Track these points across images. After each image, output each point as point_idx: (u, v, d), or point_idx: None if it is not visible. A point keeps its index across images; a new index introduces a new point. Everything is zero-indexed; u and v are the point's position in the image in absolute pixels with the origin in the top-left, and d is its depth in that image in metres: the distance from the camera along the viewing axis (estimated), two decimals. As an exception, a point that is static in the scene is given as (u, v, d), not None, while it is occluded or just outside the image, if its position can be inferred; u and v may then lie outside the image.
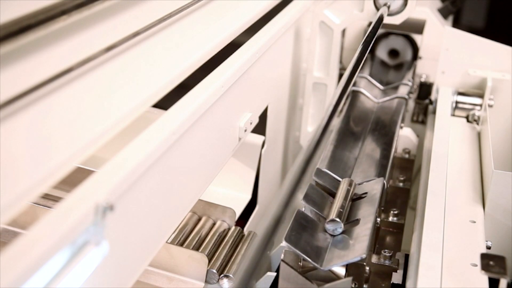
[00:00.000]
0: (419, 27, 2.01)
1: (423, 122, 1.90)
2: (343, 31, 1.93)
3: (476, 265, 1.09)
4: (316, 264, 1.11)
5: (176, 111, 1.06)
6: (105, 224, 0.82)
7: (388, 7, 1.63)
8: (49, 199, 1.25)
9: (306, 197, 1.25)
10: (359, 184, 1.36)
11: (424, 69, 2.02)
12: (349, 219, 1.22)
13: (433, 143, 1.49)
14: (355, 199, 1.30)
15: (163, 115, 1.04)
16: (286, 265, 1.11)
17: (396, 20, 1.67)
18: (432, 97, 1.87)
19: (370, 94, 1.77)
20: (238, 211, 1.61)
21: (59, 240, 0.73)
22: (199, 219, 1.49)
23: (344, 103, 1.71)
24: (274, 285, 1.26)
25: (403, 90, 1.79)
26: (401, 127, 1.70)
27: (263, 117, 1.57)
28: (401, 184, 1.58)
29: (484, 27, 3.77)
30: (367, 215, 1.21)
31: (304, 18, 1.76)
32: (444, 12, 2.19)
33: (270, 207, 0.77)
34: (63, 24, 0.84)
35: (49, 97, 0.83)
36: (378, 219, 1.26)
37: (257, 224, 1.65)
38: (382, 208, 1.39)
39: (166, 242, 1.29)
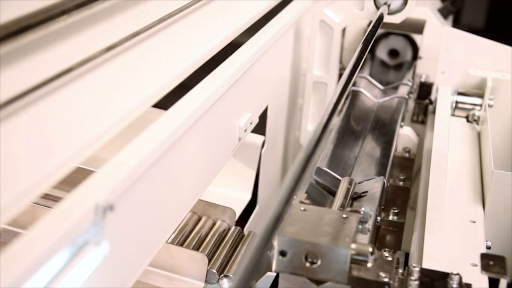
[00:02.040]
0: (419, 27, 2.02)
1: (423, 122, 1.90)
2: (343, 31, 1.93)
3: (476, 265, 1.09)
4: (316, 264, 1.10)
5: (176, 111, 1.07)
6: (105, 224, 0.82)
7: (388, 6, 1.63)
8: (49, 199, 1.25)
9: (306, 196, 1.25)
10: (359, 183, 1.36)
11: (424, 69, 2.02)
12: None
13: (433, 143, 1.49)
14: (355, 198, 1.30)
15: (163, 115, 1.04)
16: (286, 264, 1.11)
17: (396, 19, 1.67)
18: (432, 97, 1.87)
19: (370, 94, 1.77)
20: (238, 211, 1.61)
21: (59, 240, 0.73)
22: (199, 219, 1.49)
23: (344, 103, 1.71)
24: (274, 285, 1.26)
25: (403, 90, 1.79)
26: (401, 126, 1.70)
27: (263, 117, 1.57)
28: (401, 183, 1.57)
29: (484, 27, 3.77)
30: (367, 214, 1.21)
31: (304, 18, 1.76)
32: (444, 12, 2.19)
33: (270, 206, 0.77)
34: (63, 24, 0.84)
35: (49, 97, 0.83)
36: (378, 218, 1.26)
37: (257, 223, 1.65)
38: (382, 207, 1.39)
39: (166, 242, 1.29)
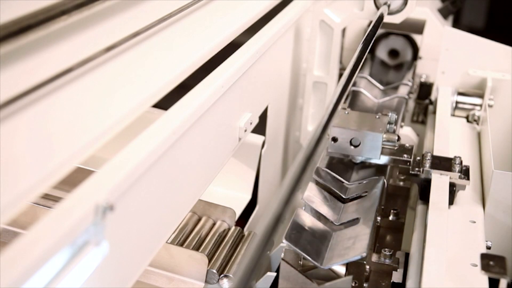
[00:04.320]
0: (419, 27, 2.01)
1: (423, 122, 1.90)
2: (343, 31, 1.93)
3: (476, 265, 1.09)
4: (316, 263, 1.11)
5: (176, 111, 1.06)
6: (105, 224, 0.82)
7: (388, 6, 1.63)
8: (49, 199, 1.25)
9: (306, 196, 1.25)
10: (359, 182, 1.36)
11: (424, 69, 2.02)
12: (349, 218, 1.23)
13: (434, 143, 1.49)
14: (355, 198, 1.30)
15: (163, 115, 1.04)
16: (286, 264, 1.11)
17: (396, 19, 1.67)
18: (432, 97, 1.87)
19: (370, 94, 1.77)
20: (238, 211, 1.61)
21: (59, 240, 0.73)
22: (199, 219, 1.49)
23: (344, 103, 1.71)
24: (274, 285, 1.26)
25: (403, 90, 1.79)
26: (401, 126, 1.70)
27: (263, 117, 1.57)
28: (401, 183, 1.58)
29: (484, 27, 3.78)
30: (367, 213, 1.21)
31: (304, 18, 1.76)
32: (444, 12, 2.19)
33: (270, 206, 0.77)
34: (63, 24, 0.84)
35: (49, 97, 0.83)
36: (378, 218, 1.26)
37: (257, 223, 1.65)
38: (382, 207, 1.39)
39: (166, 242, 1.29)
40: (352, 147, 1.36)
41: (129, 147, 0.93)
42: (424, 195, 1.31)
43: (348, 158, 1.43)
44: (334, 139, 1.36)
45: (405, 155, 1.37)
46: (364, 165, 1.42)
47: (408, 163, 1.36)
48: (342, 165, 1.43)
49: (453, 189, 1.30)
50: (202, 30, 1.28)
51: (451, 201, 1.28)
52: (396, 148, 1.38)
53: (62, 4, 0.83)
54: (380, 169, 1.39)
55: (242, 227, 1.49)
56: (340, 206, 1.30)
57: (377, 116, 1.41)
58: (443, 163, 1.34)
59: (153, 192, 1.00)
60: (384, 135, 1.36)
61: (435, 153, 1.42)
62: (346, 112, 1.42)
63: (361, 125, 1.37)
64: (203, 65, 1.22)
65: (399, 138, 1.39)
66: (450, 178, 1.31)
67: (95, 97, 0.93)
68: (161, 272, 1.30)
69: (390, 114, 1.42)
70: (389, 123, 1.41)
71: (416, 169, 1.34)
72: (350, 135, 1.36)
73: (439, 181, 1.29)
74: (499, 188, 1.30)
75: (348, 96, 1.75)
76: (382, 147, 1.36)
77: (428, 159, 1.34)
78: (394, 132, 1.41)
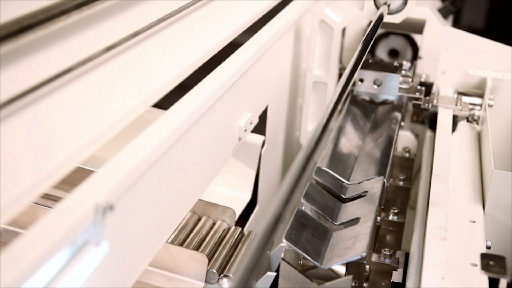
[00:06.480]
0: (419, 27, 2.01)
1: (423, 122, 1.90)
2: (343, 31, 1.93)
3: (476, 265, 1.09)
4: (316, 263, 1.11)
5: (176, 111, 1.07)
6: (105, 224, 0.82)
7: (388, 6, 1.63)
8: (49, 199, 1.25)
9: (306, 196, 1.25)
10: (359, 182, 1.36)
11: (424, 69, 2.02)
12: (349, 218, 1.23)
13: (433, 143, 1.49)
14: (355, 198, 1.30)
15: (163, 115, 1.04)
16: (286, 263, 1.11)
17: (396, 19, 1.67)
18: (432, 96, 1.87)
19: (370, 93, 1.78)
20: (238, 211, 1.61)
21: (59, 240, 0.73)
22: (199, 219, 1.49)
23: (344, 102, 1.71)
24: (274, 285, 1.27)
25: (403, 90, 1.80)
26: (401, 126, 1.70)
27: (263, 117, 1.57)
28: (401, 182, 1.58)
29: (484, 27, 3.78)
30: (367, 213, 1.21)
31: (304, 18, 1.76)
32: (444, 12, 2.19)
33: (270, 206, 0.77)
34: (63, 24, 0.84)
35: (49, 97, 0.83)
36: (378, 218, 1.26)
37: (257, 223, 1.65)
38: (382, 207, 1.39)
39: (166, 242, 1.29)
40: (375, 86, 1.70)
41: (129, 147, 0.93)
42: (433, 125, 1.63)
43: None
44: (361, 80, 1.72)
45: (417, 93, 1.70)
46: (384, 103, 1.69)
47: (420, 99, 1.68)
48: (343, 163, 1.43)
49: (455, 119, 1.62)
50: (202, 30, 1.28)
51: (453, 129, 1.59)
52: (410, 88, 1.71)
53: (62, 4, 0.83)
54: (398, 106, 1.68)
55: (242, 227, 1.49)
56: (340, 206, 1.30)
57: (395, 63, 1.75)
58: (448, 100, 1.66)
59: (153, 192, 1.00)
60: (401, 78, 1.70)
61: (435, 154, 1.42)
62: (370, 61, 1.77)
63: (382, 69, 1.72)
64: (203, 65, 1.22)
65: (412, 80, 1.72)
66: (453, 111, 1.63)
67: (95, 97, 0.93)
68: (161, 272, 1.30)
69: (405, 62, 1.79)
70: (404, 69, 1.76)
71: (426, 104, 1.68)
72: (374, 76, 1.70)
73: (445, 113, 1.62)
74: (499, 188, 1.30)
75: (348, 96, 1.75)
76: (399, 87, 1.69)
77: (436, 97, 1.68)
78: (408, 76, 1.73)
